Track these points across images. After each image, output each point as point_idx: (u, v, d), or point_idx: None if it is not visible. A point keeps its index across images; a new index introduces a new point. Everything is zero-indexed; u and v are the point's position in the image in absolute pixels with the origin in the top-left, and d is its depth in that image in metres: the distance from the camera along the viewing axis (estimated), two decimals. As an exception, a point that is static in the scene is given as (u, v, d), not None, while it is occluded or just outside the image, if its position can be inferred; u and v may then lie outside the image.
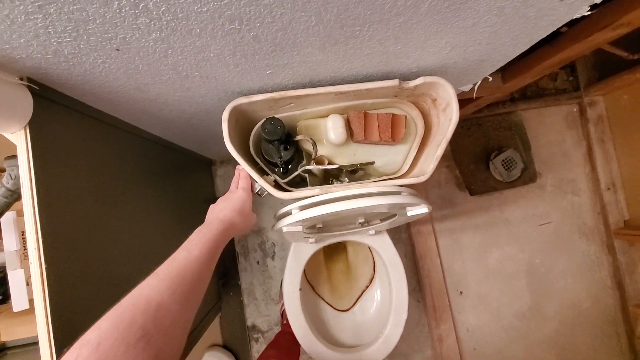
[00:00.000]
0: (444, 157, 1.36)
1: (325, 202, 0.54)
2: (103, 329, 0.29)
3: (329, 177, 0.68)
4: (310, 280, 1.03)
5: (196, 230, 0.45)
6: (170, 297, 0.34)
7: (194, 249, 0.41)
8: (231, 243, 1.28)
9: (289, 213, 0.59)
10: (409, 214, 0.61)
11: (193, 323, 0.92)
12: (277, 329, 1.24)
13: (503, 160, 1.32)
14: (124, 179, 0.65)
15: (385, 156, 0.65)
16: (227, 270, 1.26)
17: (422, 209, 0.61)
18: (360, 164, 0.58)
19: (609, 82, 1.24)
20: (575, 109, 1.38)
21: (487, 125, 1.38)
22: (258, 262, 1.29)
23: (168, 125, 0.73)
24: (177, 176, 0.93)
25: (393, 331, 0.88)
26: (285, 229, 0.58)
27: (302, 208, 0.56)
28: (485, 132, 1.38)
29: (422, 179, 0.58)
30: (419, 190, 1.29)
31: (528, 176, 1.35)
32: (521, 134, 1.37)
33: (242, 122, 0.64)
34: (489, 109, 1.33)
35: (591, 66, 1.36)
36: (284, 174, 0.63)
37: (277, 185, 0.61)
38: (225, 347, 1.23)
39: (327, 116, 0.63)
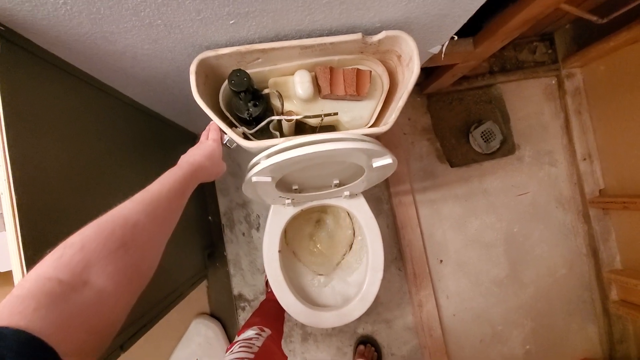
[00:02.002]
0: (425, 131, 1.39)
1: (291, 147, 0.56)
2: (86, 234, 0.32)
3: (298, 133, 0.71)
4: (291, 246, 1.06)
5: (168, 171, 0.48)
6: (146, 218, 0.37)
7: (166, 183, 0.43)
8: (217, 215, 1.31)
9: (257, 163, 0.61)
10: (375, 164, 0.64)
11: (176, 284, 0.94)
12: (263, 298, 1.28)
13: (482, 132, 1.35)
14: (103, 141, 0.67)
15: (352, 111, 0.68)
16: (213, 242, 1.29)
17: (387, 160, 0.64)
18: (325, 114, 0.60)
19: (584, 53, 1.26)
20: (553, 82, 1.41)
21: (468, 99, 1.40)
22: (244, 234, 1.32)
23: (144, 88, 0.75)
24: (160, 147, 0.95)
25: (370, 290, 0.91)
26: (254, 179, 0.61)
27: (269, 156, 0.59)
28: (466, 106, 1.40)
29: (384, 128, 0.61)
30: (400, 161, 1.32)
31: (507, 148, 1.39)
32: (501, 107, 1.40)
33: (213, 80, 0.65)
34: (469, 81, 1.35)
35: (570, 39, 1.38)
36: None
37: (246, 137, 0.63)
38: (213, 315, 1.27)
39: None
